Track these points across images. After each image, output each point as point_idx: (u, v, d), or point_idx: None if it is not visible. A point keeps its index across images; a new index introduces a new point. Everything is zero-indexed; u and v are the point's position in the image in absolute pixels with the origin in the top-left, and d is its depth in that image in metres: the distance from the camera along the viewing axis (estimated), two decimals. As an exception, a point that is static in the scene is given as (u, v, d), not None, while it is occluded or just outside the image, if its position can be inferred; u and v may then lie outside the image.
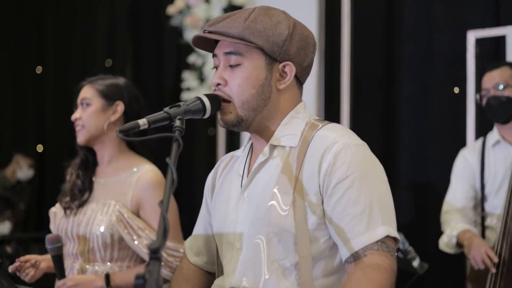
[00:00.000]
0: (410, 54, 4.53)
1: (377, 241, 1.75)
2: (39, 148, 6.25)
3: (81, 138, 2.75)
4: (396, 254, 1.82)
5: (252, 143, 2.00)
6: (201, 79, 4.97)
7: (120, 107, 2.76)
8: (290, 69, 1.89)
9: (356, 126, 4.54)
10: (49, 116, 6.24)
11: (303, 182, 1.82)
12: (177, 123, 1.74)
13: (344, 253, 1.79)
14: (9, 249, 4.54)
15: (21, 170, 5.92)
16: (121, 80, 2.84)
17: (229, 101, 1.88)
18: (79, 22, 6.17)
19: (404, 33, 4.56)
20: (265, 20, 1.85)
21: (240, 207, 1.92)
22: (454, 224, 3.44)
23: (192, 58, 5.02)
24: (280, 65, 1.88)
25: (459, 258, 3.54)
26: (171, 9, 5.00)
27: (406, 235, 3.70)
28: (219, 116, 1.91)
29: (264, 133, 1.93)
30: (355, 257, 1.76)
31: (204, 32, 1.91)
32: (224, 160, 2.12)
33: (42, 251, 3.21)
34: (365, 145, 1.86)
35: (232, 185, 1.99)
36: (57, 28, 6.27)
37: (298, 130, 1.89)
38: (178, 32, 5.12)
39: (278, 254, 1.83)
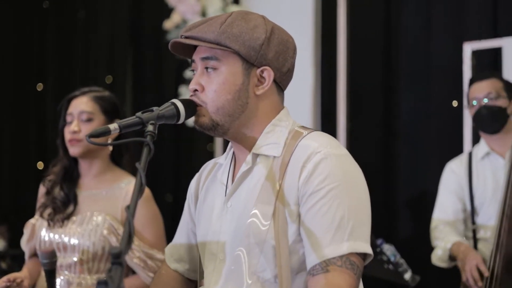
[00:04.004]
0: (408, 67, 4.50)
1: (341, 256, 1.70)
2: (40, 165, 6.23)
3: (77, 150, 2.75)
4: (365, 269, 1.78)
5: (234, 151, 1.97)
6: (197, 93, 4.94)
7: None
8: (268, 74, 1.85)
9: (353, 139, 4.51)
10: (49, 133, 6.22)
11: (284, 192, 1.78)
12: (149, 128, 1.72)
13: (308, 263, 1.75)
14: (4, 265, 4.52)
15: None
16: (114, 96, 2.89)
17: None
18: (79, 40, 6.18)
19: (401, 45, 4.54)
20: (241, 24, 1.82)
21: (224, 217, 1.89)
22: (446, 237, 3.41)
23: (188, 73, 5.01)
24: (258, 70, 1.85)
25: (454, 270, 3.49)
26: (167, 24, 5.00)
27: (403, 247, 3.66)
28: (194, 118, 1.87)
29: (244, 140, 1.89)
30: (317, 270, 1.72)
31: (180, 37, 1.88)
32: (207, 167, 2.09)
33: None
34: (347, 155, 1.82)
35: (216, 194, 1.96)
36: (58, 45, 6.28)
37: (281, 139, 1.85)
38: (175, 47, 5.10)
39: (259, 266, 1.79)
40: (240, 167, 1.91)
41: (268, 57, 1.84)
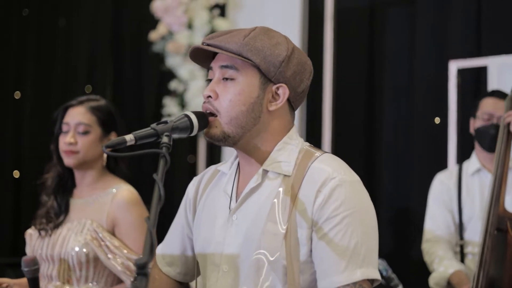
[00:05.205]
0: (392, 83, 4.55)
1: (355, 283, 1.75)
2: (16, 174, 6.16)
3: (73, 161, 2.75)
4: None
5: (238, 162, 1.98)
6: (182, 105, 4.96)
7: (114, 137, 2.78)
8: (284, 92, 1.87)
9: (338, 155, 4.52)
10: (26, 142, 6.17)
11: (297, 214, 1.80)
12: (164, 139, 1.74)
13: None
14: (-18, 274, 4.46)
15: None
16: (111, 106, 2.87)
17: (215, 115, 1.86)
18: (59, 48, 6.13)
19: (386, 62, 4.59)
20: (264, 40, 1.85)
21: (228, 230, 1.89)
22: (444, 261, 3.42)
23: (173, 84, 5.00)
24: (274, 87, 1.86)
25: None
26: (153, 35, 5.00)
27: (387, 262, 3.68)
28: (204, 129, 1.88)
29: (253, 154, 1.90)
30: None
31: (202, 44, 1.89)
32: (207, 173, 2.08)
33: (18, 276, 3.15)
34: (359, 182, 1.86)
35: (218, 204, 1.96)
36: (37, 53, 6.22)
37: (292, 157, 1.87)
38: (160, 58, 5.11)
39: (267, 282, 1.81)
40: (245, 179, 1.92)
41: (286, 75, 1.86)
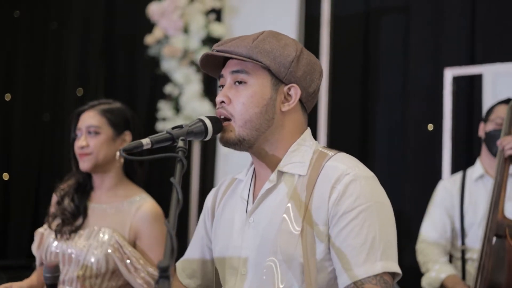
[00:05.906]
0: (387, 90, 4.58)
1: (376, 275, 1.74)
2: (5, 176, 6.14)
3: (87, 164, 2.74)
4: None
5: (254, 168, 1.99)
6: (177, 109, 4.96)
7: (128, 137, 2.79)
8: (295, 92, 1.89)
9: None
10: (16, 144, 6.14)
11: (312, 212, 1.81)
12: (180, 143, 1.74)
13: (341, 283, 1.79)
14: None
15: None
16: (124, 108, 2.86)
17: (229, 120, 1.88)
18: (51, 50, 6.11)
19: (381, 68, 4.61)
20: (273, 42, 1.88)
21: (246, 233, 1.91)
22: (438, 265, 3.45)
23: (168, 88, 5.01)
24: (286, 87, 1.89)
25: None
26: (149, 39, 5.00)
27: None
28: (219, 134, 1.90)
29: (266, 157, 1.92)
30: None
31: (212, 51, 1.92)
32: (224, 183, 2.11)
33: (9, 279, 3.14)
34: (374, 178, 1.87)
35: (236, 209, 1.98)
36: (28, 55, 6.20)
37: (307, 158, 1.89)
38: (155, 61, 5.12)
39: (285, 282, 1.82)
40: (261, 184, 1.93)
41: (296, 75, 1.89)
